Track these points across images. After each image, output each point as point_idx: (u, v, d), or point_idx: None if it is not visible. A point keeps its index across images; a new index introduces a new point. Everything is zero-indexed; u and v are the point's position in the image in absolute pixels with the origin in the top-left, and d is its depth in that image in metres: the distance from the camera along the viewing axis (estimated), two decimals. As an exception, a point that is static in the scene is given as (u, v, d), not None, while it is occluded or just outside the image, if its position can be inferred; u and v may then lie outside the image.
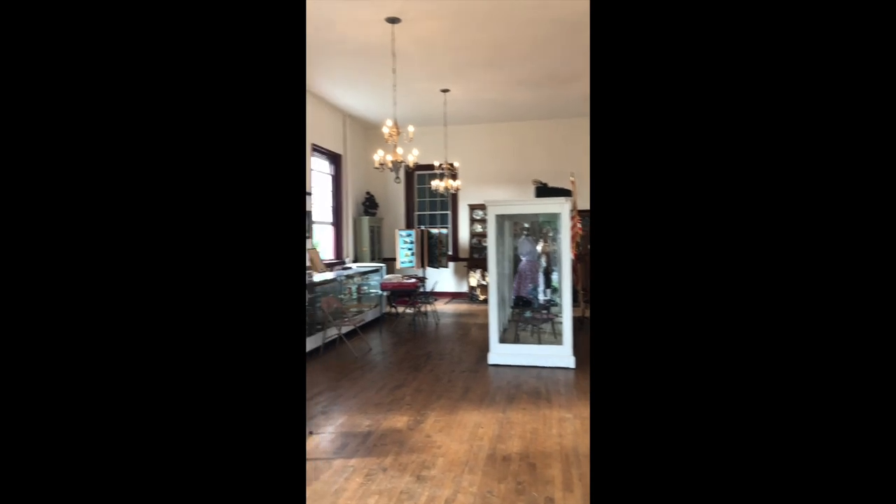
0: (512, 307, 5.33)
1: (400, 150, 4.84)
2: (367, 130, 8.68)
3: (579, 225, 5.51)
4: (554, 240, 5.18)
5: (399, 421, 3.27)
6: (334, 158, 7.86)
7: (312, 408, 3.55)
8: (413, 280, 6.86)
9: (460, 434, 3.03)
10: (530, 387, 3.95)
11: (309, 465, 2.66)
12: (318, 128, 7.10)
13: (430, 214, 9.26)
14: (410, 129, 4.85)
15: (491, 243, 4.67)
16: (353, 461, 2.70)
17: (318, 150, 7.23)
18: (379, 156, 4.87)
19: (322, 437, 3.05)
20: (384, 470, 2.59)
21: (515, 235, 5.49)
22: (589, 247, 6.89)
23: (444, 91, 6.59)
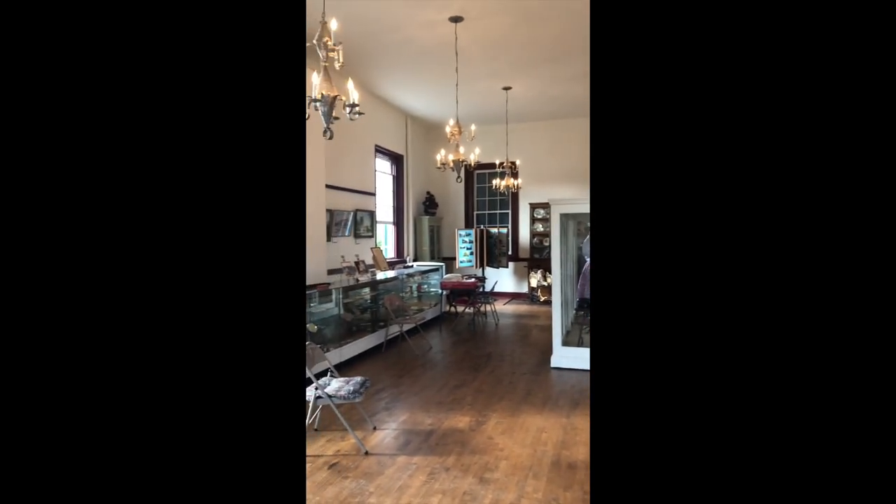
0: (576, 309, 5.17)
1: (462, 150, 4.83)
2: (429, 131, 8.77)
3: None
4: (621, 240, 4.95)
5: (461, 421, 3.26)
6: (396, 159, 8.01)
7: (375, 403, 3.63)
8: (472, 280, 6.85)
9: (523, 438, 2.97)
10: (595, 392, 3.80)
11: (373, 460, 2.72)
12: (381, 129, 7.26)
13: (490, 214, 9.20)
14: (473, 127, 4.83)
15: (555, 243, 4.55)
16: (415, 459, 2.72)
17: (380, 150, 7.39)
18: (441, 155, 4.89)
19: (385, 433, 3.10)
20: (447, 469, 2.59)
21: (580, 235, 5.32)
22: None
23: (506, 89, 6.52)
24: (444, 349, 5.37)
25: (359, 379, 3.04)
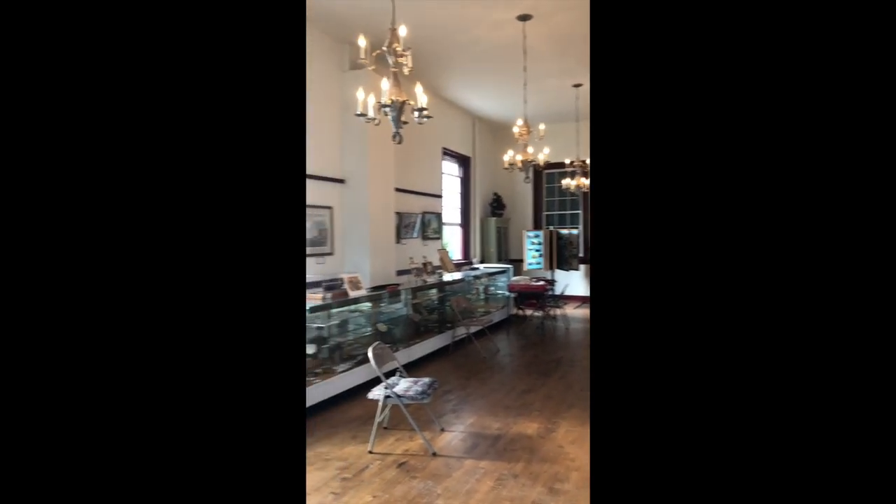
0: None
1: (530, 150, 4.74)
2: (496, 131, 8.71)
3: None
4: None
5: (529, 427, 3.19)
6: (463, 161, 8.04)
7: (443, 405, 3.64)
8: (541, 282, 6.69)
9: (595, 448, 2.85)
10: (675, 404, 3.56)
11: (441, 462, 2.72)
12: (449, 132, 7.31)
13: (560, 214, 8.95)
14: (542, 126, 4.72)
15: (629, 245, 4.32)
16: (483, 463, 2.69)
17: (447, 153, 7.45)
18: (509, 156, 4.83)
19: (453, 436, 3.10)
20: (515, 476, 2.53)
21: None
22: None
23: (576, 86, 6.32)
24: (512, 353, 5.30)
25: (427, 380, 3.07)
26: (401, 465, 2.70)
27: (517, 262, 8.50)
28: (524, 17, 4.38)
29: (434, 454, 2.81)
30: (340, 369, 3.91)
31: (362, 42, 2.59)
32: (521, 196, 8.97)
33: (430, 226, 6.67)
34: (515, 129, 4.61)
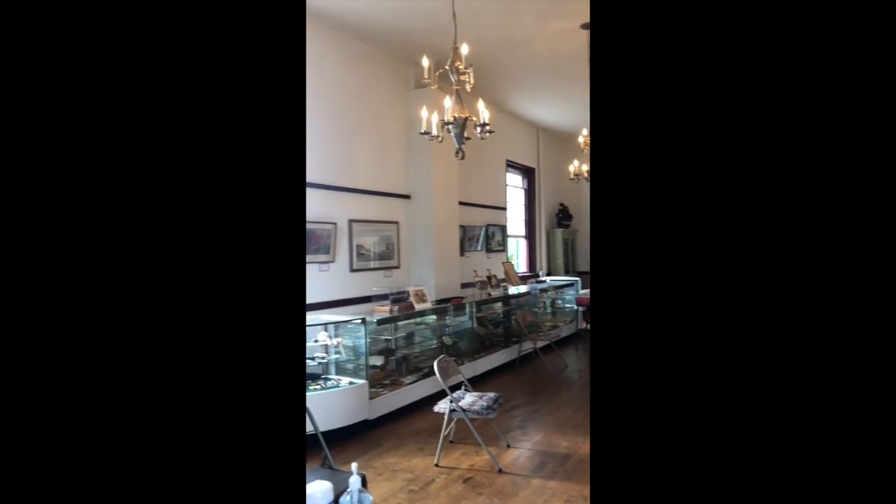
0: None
1: (596, 159, 4.61)
2: (561, 142, 8.57)
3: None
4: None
5: (600, 447, 3.05)
6: (527, 172, 7.97)
7: (509, 420, 3.59)
8: (611, 295, 6.43)
9: (674, 474, 2.67)
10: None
11: (507, 479, 2.67)
12: (512, 144, 7.29)
13: (630, 224, 8.58)
14: (608, 135, 4.58)
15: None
16: (551, 483, 2.61)
17: (511, 165, 7.43)
18: (574, 166, 4.73)
19: (519, 452, 3.04)
20: (585, 499, 2.43)
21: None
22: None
23: (646, 90, 6.08)
24: (581, 368, 5.12)
25: (492, 395, 3.04)
26: (466, 480, 2.69)
27: (586, 275, 8.23)
28: (587, 26, 4.30)
29: (500, 471, 2.77)
30: (407, 381, 3.98)
31: (426, 62, 2.67)
32: (589, 206, 8.71)
33: (493, 238, 6.66)
34: (580, 139, 4.52)
